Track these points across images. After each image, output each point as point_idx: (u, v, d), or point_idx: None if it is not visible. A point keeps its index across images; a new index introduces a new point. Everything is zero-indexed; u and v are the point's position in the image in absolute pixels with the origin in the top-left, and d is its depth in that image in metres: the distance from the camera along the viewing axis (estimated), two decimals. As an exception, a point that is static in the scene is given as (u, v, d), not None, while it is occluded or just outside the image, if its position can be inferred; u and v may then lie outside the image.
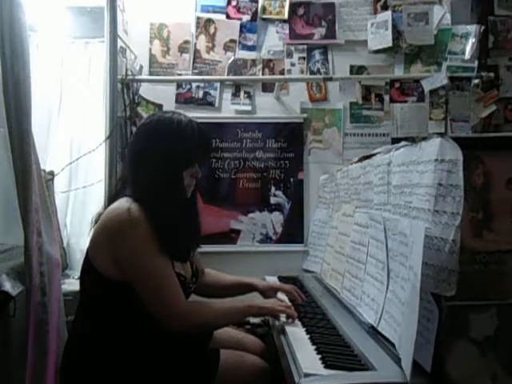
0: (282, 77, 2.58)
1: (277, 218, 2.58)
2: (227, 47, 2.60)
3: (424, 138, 1.20)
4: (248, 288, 1.72)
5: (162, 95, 2.58)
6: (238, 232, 2.56)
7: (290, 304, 1.58)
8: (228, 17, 2.61)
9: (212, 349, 1.52)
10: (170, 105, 2.58)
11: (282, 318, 1.49)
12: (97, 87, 2.42)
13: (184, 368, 1.40)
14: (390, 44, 2.52)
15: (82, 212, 2.45)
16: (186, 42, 2.60)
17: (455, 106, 2.41)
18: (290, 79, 2.59)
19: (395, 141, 2.41)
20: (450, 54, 2.53)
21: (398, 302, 1.17)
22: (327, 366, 1.12)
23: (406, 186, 1.29)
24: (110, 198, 1.49)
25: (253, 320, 1.96)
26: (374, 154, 1.65)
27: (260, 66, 2.61)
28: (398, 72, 2.60)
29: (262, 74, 2.61)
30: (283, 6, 2.60)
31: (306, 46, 2.61)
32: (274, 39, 2.63)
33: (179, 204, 1.43)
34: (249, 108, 2.61)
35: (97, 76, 2.43)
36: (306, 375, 1.07)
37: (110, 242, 1.34)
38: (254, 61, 2.61)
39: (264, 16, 2.61)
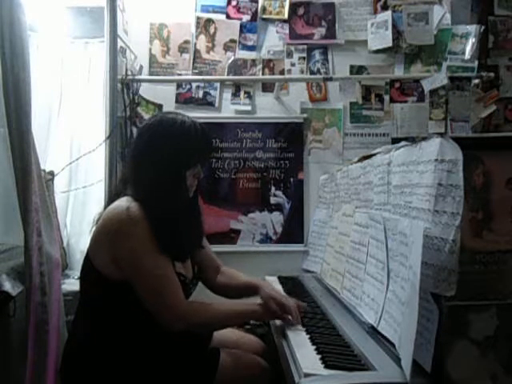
0: (282, 77, 2.58)
1: (277, 218, 2.58)
2: (227, 47, 2.60)
3: (424, 138, 1.20)
4: (254, 291, 1.63)
5: (162, 95, 2.58)
6: (238, 232, 2.56)
7: (294, 307, 1.49)
8: (228, 17, 2.61)
9: (212, 349, 1.52)
10: (169, 105, 2.58)
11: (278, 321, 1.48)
12: (97, 87, 2.42)
13: (184, 368, 1.40)
14: (390, 44, 2.52)
15: (81, 212, 2.45)
16: (186, 42, 2.60)
17: (455, 106, 2.41)
18: (290, 79, 2.59)
19: (395, 141, 2.41)
20: (450, 54, 2.53)
21: (398, 302, 1.17)
22: (327, 366, 1.12)
23: (405, 185, 1.29)
24: (111, 198, 1.49)
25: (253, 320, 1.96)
26: (374, 154, 1.65)
27: (260, 66, 2.61)
28: (398, 72, 2.60)
29: (262, 74, 2.61)
30: (283, 6, 2.60)
31: (305, 46, 2.61)
32: (274, 39, 2.63)
33: (182, 204, 1.43)
34: (249, 108, 2.61)
35: (97, 76, 2.43)
36: (306, 375, 1.07)
37: (109, 241, 1.34)
38: (254, 61, 2.61)
39: (264, 16, 2.61)
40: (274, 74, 2.61)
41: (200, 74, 2.59)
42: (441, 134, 1.14)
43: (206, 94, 2.60)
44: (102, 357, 1.34)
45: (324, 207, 2.41)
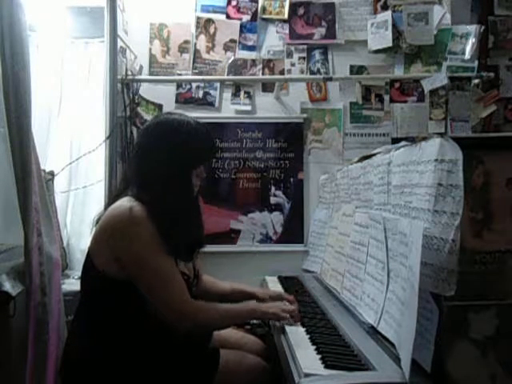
0: (282, 77, 2.58)
1: (277, 218, 2.58)
2: (227, 47, 2.60)
3: (424, 138, 1.20)
4: (248, 297, 1.70)
5: (162, 95, 2.58)
6: (237, 232, 2.56)
7: (294, 307, 1.54)
8: (228, 17, 2.61)
9: (212, 348, 1.52)
10: (169, 105, 2.58)
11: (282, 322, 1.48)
12: (97, 87, 2.42)
13: (184, 367, 1.40)
14: (390, 44, 2.52)
15: (81, 212, 2.45)
16: (186, 42, 2.60)
17: (455, 106, 2.41)
18: (290, 79, 2.59)
19: (395, 141, 2.41)
20: (450, 53, 2.53)
21: (397, 301, 1.17)
22: (327, 366, 1.12)
23: (405, 186, 1.29)
24: (112, 198, 1.49)
25: (253, 320, 1.96)
26: (374, 154, 1.65)
27: (260, 66, 2.61)
28: (398, 72, 2.60)
29: (262, 74, 2.61)
30: (283, 6, 2.60)
31: (306, 46, 2.61)
32: (274, 39, 2.63)
33: (187, 204, 1.44)
34: (249, 108, 2.61)
35: (97, 76, 2.43)
36: (306, 375, 1.07)
37: (111, 240, 1.35)
38: (254, 61, 2.61)
39: (264, 16, 2.61)
40: (274, 74, 2.61)
41: (200, 73, 2.59)
42: (441, 134, 1.14)
43: (205, 94, 2.60)
44: (101, 357, 1.34)
45: (324, 207, 2.42)
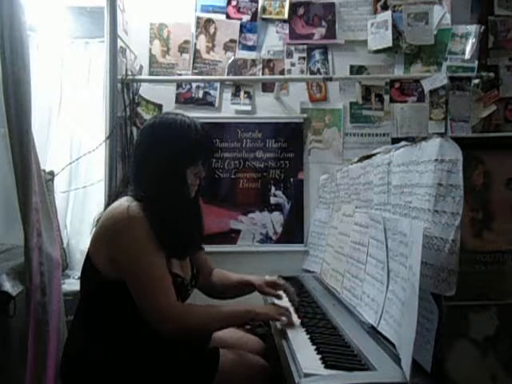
0: (282, 77, 2.58)
1: (277, 218, 2.58)
2: (227, 47, 2.60)
3: (424, 138, 1.20)
4: (249, 287, 1.70)
5: (162, 95, 2.58)
6: (237, 232, 2.56)
7: (287, 308, 1.54)
8: (228, 17, 2.61)
9: (211, 348, 1.52)
10: (169, 105, 2.58)
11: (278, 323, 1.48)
12: (97, 87, 2.42)
13: (183, 367, 1.40)
14: (390, 44, 2.52)
15: (81, 212, 2.46)
16: (186, 42, 2.60)
17: (455, 106, 2.41)
18: (290, 79, 2.59)
19: (395, 141, 2.41)
20: (450, 53, 2.53)
21: (398, 301, 1.17)
22: (327, 366, 1.12)
23: (405, 186, 1.29)
24: (111, 198, 1.50)
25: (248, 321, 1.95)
26: (374, 154, 1.65)
27: (260, 66, 2.61)
28: (398, 72, 2.60)
29: (262, 74, 2.61)
30: (283, 6, 2.60)
31: (305, 46, 2.61)
32: (274, 39, 2.63)
33: (182, 202, 1.44)
34: (249, 108, 2.61)
35: (97, 76, 2.44)
36: (306, 375, 1.07)
37: (108, 240, 1.35)
38: (254, 61, 2.61)
39: (264, 16, 2.61)
40: (273, 74, 2.61)
41: (200, 74, 2.59)
42: (441, 134, 1.14)
43: (205, 93, 2.60)
44: (101, 356, 1.34)
45: (324, 207, 2.41)
